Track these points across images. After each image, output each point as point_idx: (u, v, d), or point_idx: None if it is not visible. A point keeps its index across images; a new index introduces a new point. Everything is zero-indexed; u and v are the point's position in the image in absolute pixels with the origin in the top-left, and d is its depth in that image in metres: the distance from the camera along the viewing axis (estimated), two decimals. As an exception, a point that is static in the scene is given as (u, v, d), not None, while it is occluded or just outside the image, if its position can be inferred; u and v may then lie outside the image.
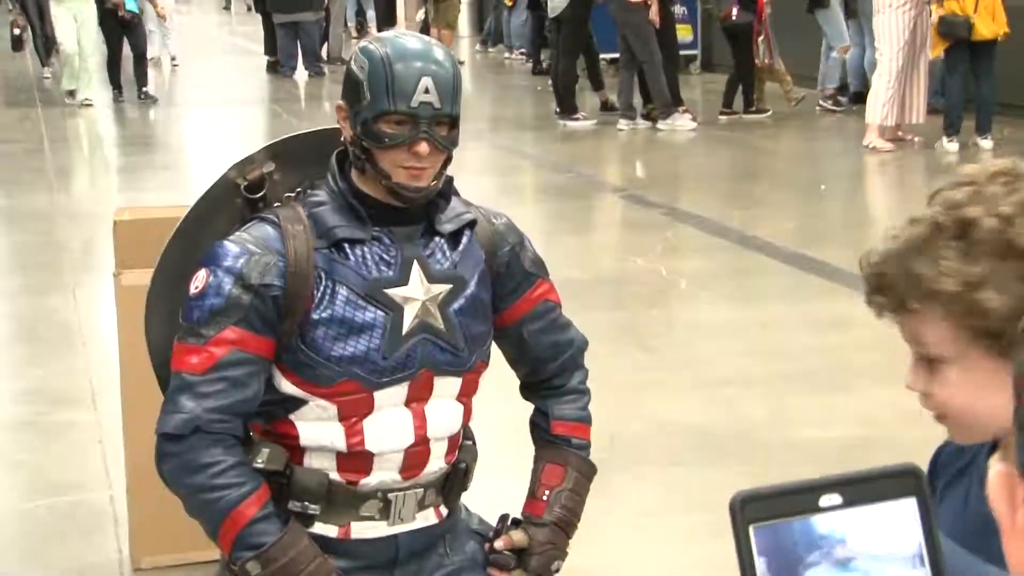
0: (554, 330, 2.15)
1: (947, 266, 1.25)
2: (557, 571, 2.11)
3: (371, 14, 17.89)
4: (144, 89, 12.05)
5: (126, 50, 11.92)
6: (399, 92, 1.91)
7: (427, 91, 1.92)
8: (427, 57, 1.95)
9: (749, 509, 0.77)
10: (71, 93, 11.85)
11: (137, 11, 11.72)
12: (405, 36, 2.02)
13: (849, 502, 0.77)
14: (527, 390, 2.22)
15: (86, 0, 11.57)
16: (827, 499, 0.77)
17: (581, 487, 2.15)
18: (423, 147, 1.92)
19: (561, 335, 2.17)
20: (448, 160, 2.00)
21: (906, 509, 0.78)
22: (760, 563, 0.76)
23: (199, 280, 1.94)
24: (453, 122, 1.96)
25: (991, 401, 1.22)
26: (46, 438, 4.16)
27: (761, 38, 10.58)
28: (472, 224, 2.06)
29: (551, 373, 2.17)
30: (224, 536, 1.92)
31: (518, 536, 2.09)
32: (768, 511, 0.77)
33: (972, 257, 1.24)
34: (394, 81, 1.92)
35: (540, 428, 2.18)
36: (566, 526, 2.12)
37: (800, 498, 0.77)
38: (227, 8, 26.62)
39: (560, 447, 2.16)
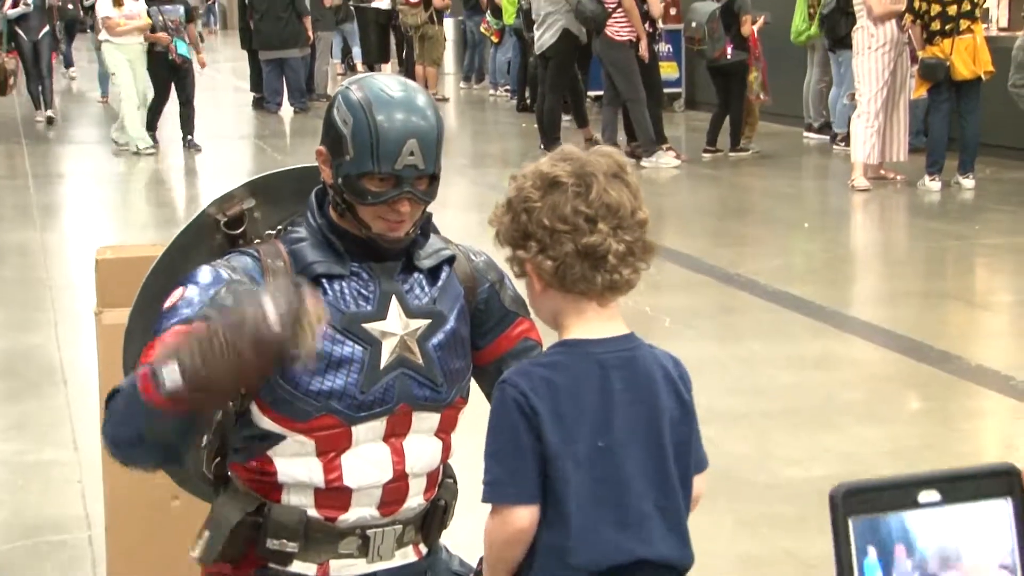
0: None
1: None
2: None
3: (356, 51, 17.96)
4: (189, 137, 11.48)
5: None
6: (384, 155, 1.92)
7: (411, 154, 1.92)
8: (411, 117, 1.93)
9: (850, 501, 0.78)
10: (132, 150, 11.18)
11: (188, 56, 11.31)
12: (388, 87, 1.97)
13: (947, 499, 0.77)
14: None
15: (142, 44, 11.16)
16: (925, 495, 0.77)
17: None
18: (405, 206, 1.94)
19: None
20: (427, 206, 2.01)
21: (1001, 509, 0.78)
22: (856, 555, 0.76)
23: (173, 296, 1.93)
24: (434, 176, 1.97)
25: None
26: (26, 477, 4.13)
27: (753, 75, 10.65)
28: (451, 260, 2.07)
29: None
30: (145, 392, 1.73)
31: None
32: (868, 504, 0.78)
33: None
34: (379, 144, 1.92)
35: None
36: None
37: (900, 493, 0.78)
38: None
39: None
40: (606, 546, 1.69)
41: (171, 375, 1.69)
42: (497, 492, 1.68)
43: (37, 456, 4.29)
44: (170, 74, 11.30)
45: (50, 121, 13.31)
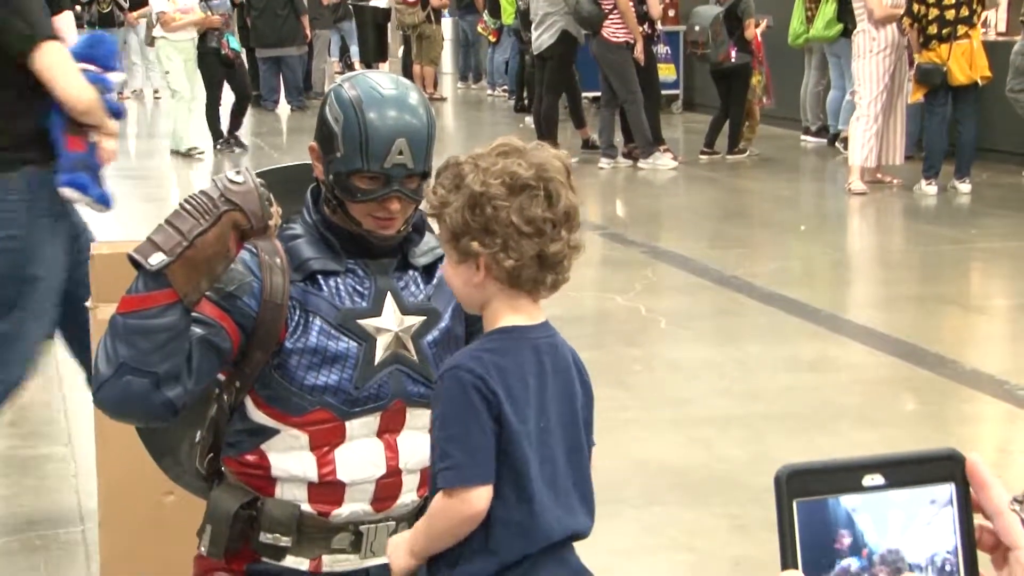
0: None
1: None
2: None
3: (354, 49, 17.96)
4: (236, 134, 11.24)
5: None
6: (373, 154, 1.93)
7: (401, 152, 1.93)
8: (401, 115, 1.94)
9: (794, 483, 0.78)
10: (181, 150, 10.85)
11: (240, 50, 10.93)
12: (380, 84, 1.98)
13: (891, 483, 0.78)
14: None
15: (193, 40, 10.74)
16: (870, 479, 0.78)
17: None
18: (395, 204, 1.95)
19: None
20: (418, 204, 2.01)
21: (944, 494, 0.78)
22: (800, 538, 0.77)
23: None
24: (425, 174, 1.97)
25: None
26: (20, 472, 4.12)
27: (757, 79, 10.66)
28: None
29: None
30: (126, 304, 1.89)
31: None
32: (812, 487, 0.78)
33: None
34: (368, 143, 1.93)
35: None
36: None
37: (844, 476, 0.78)
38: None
39: None
40: (556, 522, 1.77)
41: (155, 257, 1.84)
42: (460, 475, 1.71)
43: (32, 451, 4.28)
44: (223, 70, 10.90)
45: None
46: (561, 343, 1.84)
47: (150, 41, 11.47)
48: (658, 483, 3.99)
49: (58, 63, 3.18)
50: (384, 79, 2.01)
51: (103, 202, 3.42)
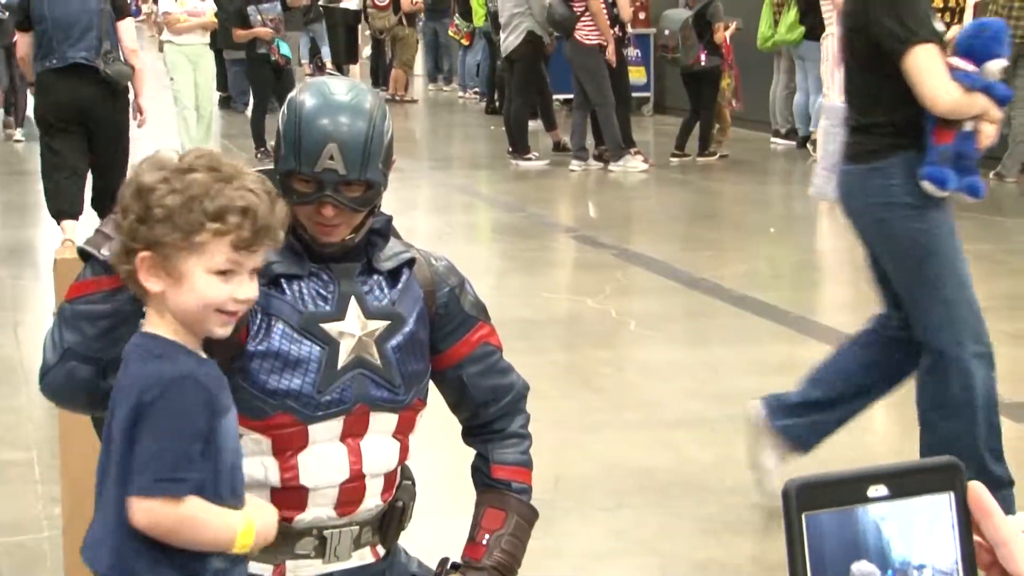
0: (494, 374, 2.14)
1: None
2: None
3: (325, 51, 17.91)
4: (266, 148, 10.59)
5: None
6: (304, 156, 1.92)
7: (332, 158, 1.91)
8: (337, 119, 1.92)
9: (803, 497, 0.77)
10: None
11: (290, 56, 10.50)
12: (331, 89, 1.97)
13: (894, 494, 0.78)
14: (468, 435, 2.21)
15: (205, 43, 10.14)
16: (874, 490, 0.78)
17: (522, 532, 2.13)
18: (328, 210, 1.93)
19: (501, 379, 2.15)
20: (372, 211, 1.99)
21: (944, 503, 0.79)
22: (809, 551, 0.76)
23: None
24: (368, 184, 1.94)
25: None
26: (-17, 477, 4.08)
27: (726, 82, 10.71)
28: (411, 263, 2.06)
29: (492, 417, 2.16)
30: (75, 290, 1.91)
31: None
32: (820, 500, 0.77)
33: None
34: (301, 143, 1.92)
35: (481, 472, 2.17)
36: (506, 571, 2.10)
37: (851, 488, 0.78)
38: None
39: (501, 491, 2.15)
40: None
41: (107, 248, 1.85)
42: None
43: (-5, 457, 4.24)
44: (272, 76, 10.50)
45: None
46: None
47: (159, 46, 10.95)
48: (626, 486, 3.99)
49: (923, 67, 3.36)
50: (340, 85, 1.99)
51: (972, 192, 3.50)
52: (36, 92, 6.77)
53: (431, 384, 2.11)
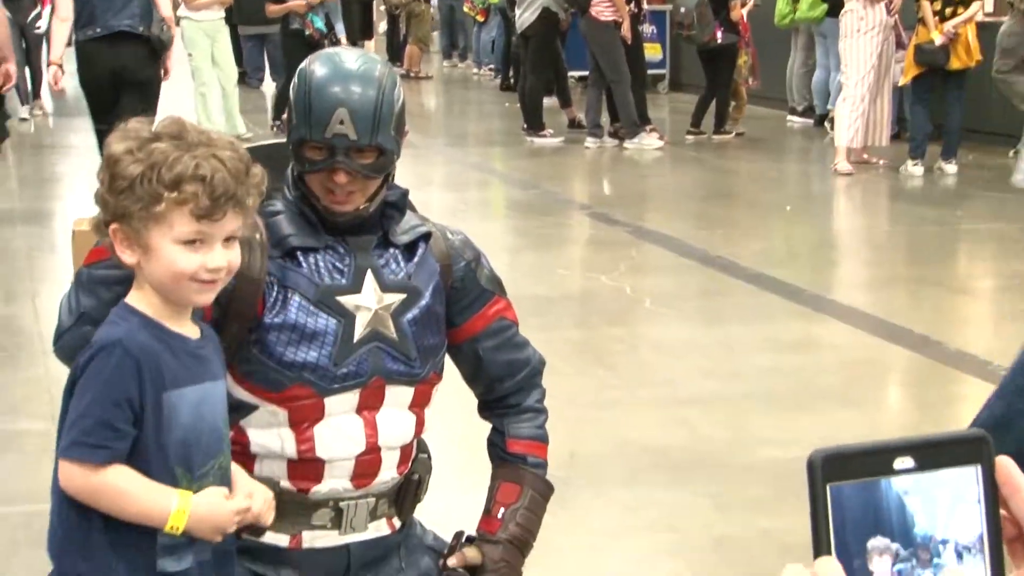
0: (510, 348, 2.14)
1: None
2: None
3: (340, 27, 17.87)
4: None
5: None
6: (315, 121, 1.92)
7: (342, 122, 1.91)
8: (347, 86, 1.92)
9: (828, 467, 0.77)
10: None
11: (324, 31, 10.34)
12: (341, 58, 1.98)
13: (920, 466, 0.77)
14: (484, 409, 2.21)
15: (222, 18, 10.16)
16: (900, 462, 0.77)
17: (537, 506, 2.14)
18: (340, 177, 1.92)
19: (517, 353, 2.15)
20: (386, 181, 1.99)
21: (971, 476, 0.78)
22: (833, 522, 0.76)
23: None
24: (380, 150, 1.94)
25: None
26: (2, 448, 4.10)
27: (743, 59, 10.66)
28: (427, 237, 2.06)
29: (507, 392, 2.16)
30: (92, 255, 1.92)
31: (472, 553, 2.08)
32: (845, 471, 0.77)
33: None
34: (311, 110, 1.92)
35: (496, 447, 2.17)
36: (521, 544, 2.10)
37: (876, 459, 0.77)
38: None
39: (516, 466, 2.15)
40: None
41: None
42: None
43: (13, 427, 4.27)
44: (306, 51, 10.44)
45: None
46: None
47: (176, 21, 11.07)
48: (641, 463, 3.99)
49: None
50: (349, 54, 2.00)
51: None
52: (78, 60, 7.00)
53: (447, 359, 2.11)
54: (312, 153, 1.93)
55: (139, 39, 6.74)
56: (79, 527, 1.77)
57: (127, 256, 1.76)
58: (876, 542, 0.77)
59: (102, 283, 1.87)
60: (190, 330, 1.81)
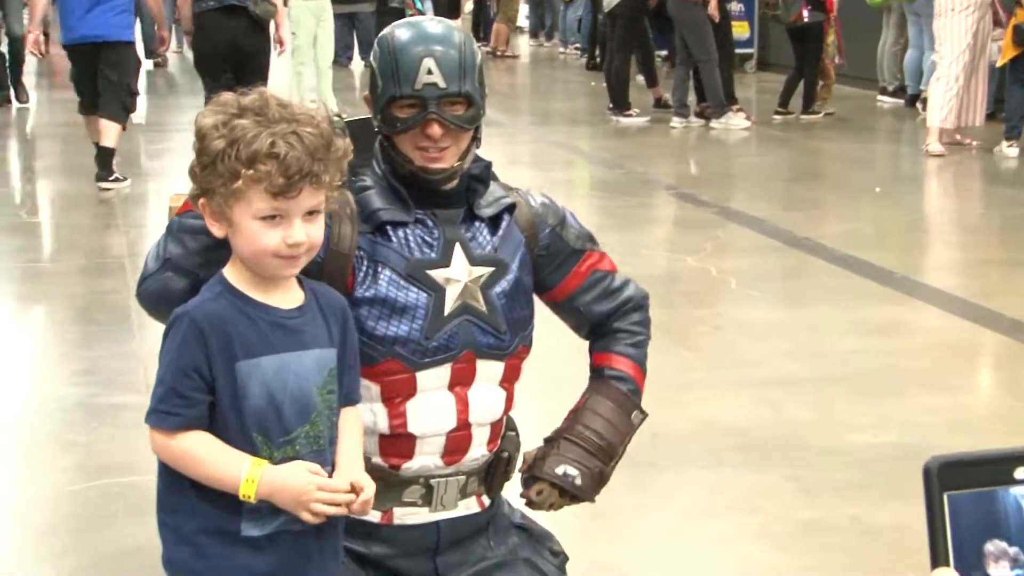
0: (607, 297, 2.17)
1: None
2: (573, 480, 2.08)
3: (428, 6, 17.95)
4: None
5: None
6: (403, 76, 1.95)
7: (430, 72, 1.94)
8: (430, 38, 1.97)
9: (945, 476, 0.74)
10: None
11: (425, 12, 10.39)
12: (419, 22, 2.05)
13: None
14: (591, 343, 2.24)
15: None
16: (1022, 471, 0.74)
17: (598, 405, 2.14)
18: (434, 128, 1.94)
19: (616, 299, 2.18)
20: (475, 139, 2.01)
21: None
22: (951, 531, 0.73)
23: None
24: (469, 101, 1.96)
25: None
26: (98, 420, 4.22)
27: (831, 38, 10.52)
28: (511, 208, 2.08)
29: (611, 325, 2.20)
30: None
31: (528, 452, 2.13)
32: (963, 479, 0.74)
33: None
34: (398, 66, 1.95)
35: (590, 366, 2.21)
36: (576, 437, 2.11)
37: (997, 468, 0.74)
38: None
39: (595, 378, 2.18)
40: None
41: None
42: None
43: (108, 400, 4.38)
44: None
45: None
46: None
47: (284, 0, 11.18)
48: (724, 444, 3.99)
49: None
50: (426, 19, 2.08)
51: None
52: (195, 30, 7.94)
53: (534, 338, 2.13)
54: (403, 111, 1.95)
55: (247, 11, 7.68)
56: (172, 487, 1.83)
57: (216, 229, 1.81)
58: (993, 546, 0.74)
59: (189, 231, 1.92)
60: (283, 300, 1.82)
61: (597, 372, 2.18)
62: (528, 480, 2.10)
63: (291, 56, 10.36)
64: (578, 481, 2.07)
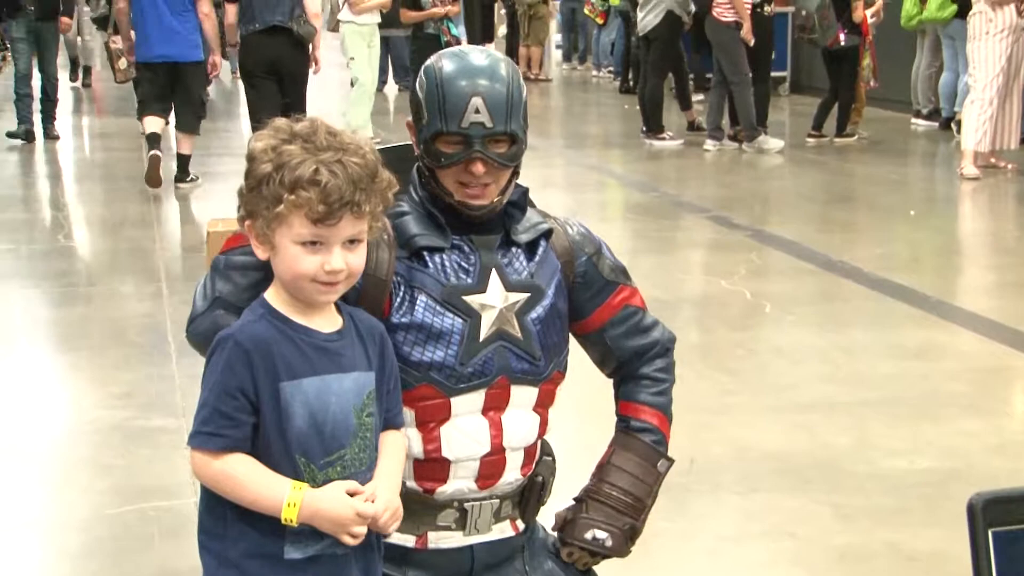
0: (636, 334, 2.17)
1: None
2: (603, 543, 2.09)
3: (461, 30, 18.03)
4: None
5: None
6: (450, 113, 1.94)
7: (477, 111, 1.94)
8: (479, 75, 1.96)
9: (989, 512, 0.72)
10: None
11: (460, 38, 10.50)
12: (466, 53, 2.02)
13: None
14: (616, 386, 2.24)
15: (378, 23, 10.51)
16: None
17: (624, 461, 2.14)
18: (478, 167, 1.95)
19: (644, 338, 2.18)
20: (515, 173, 2.02)
21: None
22: (995, 569, 0.72)
23: None
24: (512, 139, 1.97)
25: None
26: (134, 443, 4.24)
27: (866, 62, 10.51)
28: (548, 234, 2.08)
29: (635, 368, 2.20)
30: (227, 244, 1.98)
31: (559, 512, 2.13)
32: (1009, 516, 0.72)
33: None
34: (445, 102, 1.95)
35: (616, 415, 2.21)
36: (603, 497, 2.12)
37: None
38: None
39: (620, 430, 2.18)
40: None
41: None
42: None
43: (146, 423, 4.41)
44: None
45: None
46: None
47: (333, 25, 11.10)
48: (761, 469, 3.97)
49: None
50: (474, 51, 2.04)
51: None
52: (241, 49, 8.65)
53: (575, 354, 2.14)
54: (447, 147, 1.96)
55: (289, 32, 8.32)
56: (215, 511, 1.84)
57: (260, 252, 1.83)
58: None
59: (238, 268, 1.92)
60: (323, 324, 1.84)
61: (623, 422, 2.19)
62: (559, 541, 2.14)
63: (351, 84, 10.54)
64: (608, 543, 2.09)
